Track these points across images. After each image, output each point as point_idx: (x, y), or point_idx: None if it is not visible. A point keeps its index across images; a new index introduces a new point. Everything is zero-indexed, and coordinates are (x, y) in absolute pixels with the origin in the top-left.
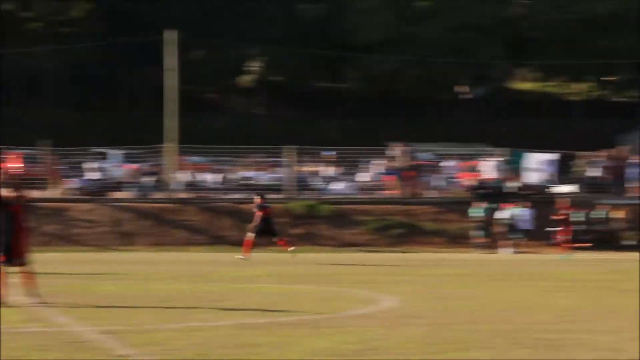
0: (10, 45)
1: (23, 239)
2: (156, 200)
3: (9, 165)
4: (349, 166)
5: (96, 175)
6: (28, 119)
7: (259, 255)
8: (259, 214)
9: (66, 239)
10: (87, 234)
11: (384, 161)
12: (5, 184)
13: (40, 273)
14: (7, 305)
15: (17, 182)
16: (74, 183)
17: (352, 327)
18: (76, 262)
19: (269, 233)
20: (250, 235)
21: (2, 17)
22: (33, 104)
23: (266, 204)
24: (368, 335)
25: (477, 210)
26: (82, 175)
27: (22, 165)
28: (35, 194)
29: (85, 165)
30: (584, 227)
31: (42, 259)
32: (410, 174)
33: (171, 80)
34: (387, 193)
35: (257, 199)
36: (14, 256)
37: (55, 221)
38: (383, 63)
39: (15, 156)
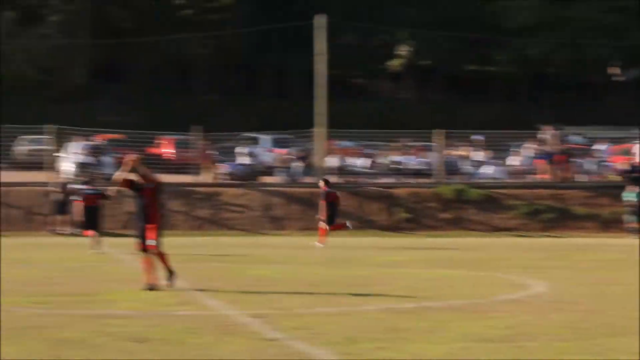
0: (162, 32)
1: (154, 223)
2: (306, 185)
3: (162, 150)
4: (499, 150)
5: (247, 160)
6: (180, 105)
7: (405, 240)
8: (323, 203)
9: (217, 223)
10: (238, 218)
11: (534, 145)
12: (136, 170)
13: (192, 257)
14: (159, 289)
15: (146, 167)
16: (225, 168)
17: (502, 312)
18: (227, 246)
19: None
20: (322, 224)
21: (154, 4)
22: (185, 90)
23: (331, 190)
24: (518, 320)
25: (630, 195)
26: (233, 160)
27: (174, 150)
28: (187, 179)
29: (236, 150)
30: None
31: (193, 243)
32: (561, 157)
33: (320, 65)
34: (537, 177)
35: (322, 185)
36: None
37: (207, 206)
38: (534, 46)
39: (167, 141)
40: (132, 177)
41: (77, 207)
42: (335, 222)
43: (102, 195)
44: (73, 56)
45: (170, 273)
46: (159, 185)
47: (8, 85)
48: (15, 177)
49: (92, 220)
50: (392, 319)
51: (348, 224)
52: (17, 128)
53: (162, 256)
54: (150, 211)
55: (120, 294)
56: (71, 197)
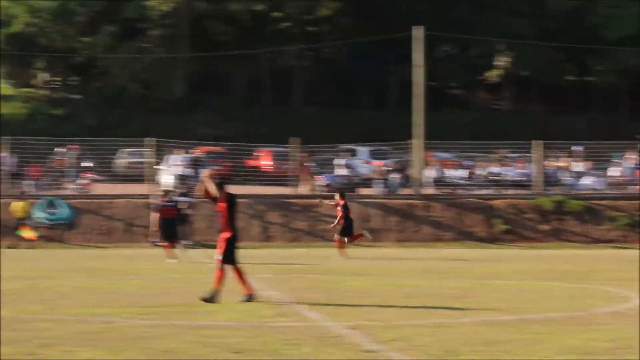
0: (262, 45)
1: (223, 236)
2: (403, 197)
3: (261, 162)
4: (599, 161)
5: (344, 172)
6: (278, 117)
7: (503, 251)
8: (340, 213)
9: (315, 235)
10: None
11: (635, 155)
12: (213, 182)
13: (289, 268)
14: (257, 300)
15: (222, 179)
16: (322, 180)
17: (603, 324)
18: (324, 257)
19: (347, 231)
20: (336, 237)
21: (254, 17)
22: (283, 103)
23: (347, 203)
24: (620, 333)
25: None
26: (330, 172)
27: (273, 162)
28: (285, 190)
29: (334, 162)
30: None
31: (291, 255)
32: None
33: (418, 77)
34: (638, 188)
35: (339, 199)
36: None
37: (305, 217)
38: (634, 56)
39: (266, 154)
40: (212, 190)
41: (154, 218)
42: (352, 233)
43: (178, 208)
44: (172, 69)
45: (215, 292)
46: (230, 199)
47: (109, 99)
48: (116, 189)
49: (169, 232)
50: (491, 331)
51: (366, 233)
52: (118, 141)
53: (221, 272)
54: (221, 224)
55: (219, 305)
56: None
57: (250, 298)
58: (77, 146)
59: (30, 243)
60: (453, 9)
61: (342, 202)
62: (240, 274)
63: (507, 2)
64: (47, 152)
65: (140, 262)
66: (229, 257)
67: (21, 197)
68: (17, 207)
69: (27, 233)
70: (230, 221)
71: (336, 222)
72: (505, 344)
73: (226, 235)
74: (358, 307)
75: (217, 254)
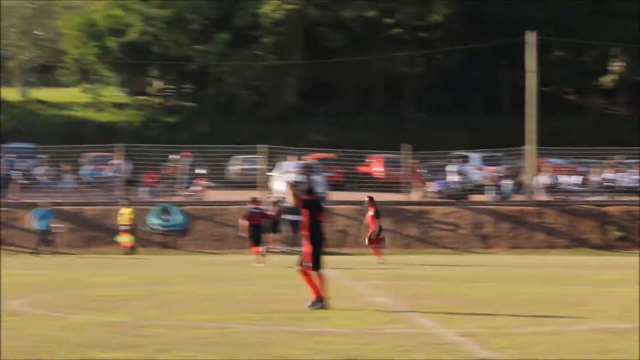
0: (374, 51)
1: (307, 244)
2: (515, 203)
3: (373, 169)
4: None
5: (456, 178)
6: (389, 124)
7: (618, 258)
8: (372, 219)
9: (426, 242)
10: (447, 236)
11: None
12: (294, 190)
13: (401, 275)
14: (370, 308)
15: (309, 186)
16: (434, 186)
17: None
18: (436, 264)
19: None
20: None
21: (365, 23)
22: (394, 109)
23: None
24: None
25: None
26: (442, 179)
27: (384, 169)
28: (397, 197)
29: (446, 169)
30: None
31: (403, 261)
32: None
33: (530, 82)
34: None
35: (370, 205)
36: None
37: (416, 224)
38: None
39: (377, 160)
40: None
41: (242, 225)
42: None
43: (265, 215)
44: (284, 76)
45: (319, 301)
46: (312, 206)
47: (221, 106)
48: (229, 196)
49: (257, 238)
50: (606, 339)
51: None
52: (231, 148)
53: (307, 276)
54: (303, 232)
55: (331, 312)
56: (282, 216)
57: (317, 302)
58: (190, 153)
59: (126, 249)
60: (566, 14)
61: (251, 207)
62: (320, 279)
63: (620, 5)
64: (161, 159)
65: (252, 268)
66: (316, 263)
67: (128, 204)
68: (124, 213)
69: (124, 239)
70: (312, 227)
71: (370, 230)
72: (620, 352)
73: (308, 241)
74: (470, 314)
75: (304, 262)
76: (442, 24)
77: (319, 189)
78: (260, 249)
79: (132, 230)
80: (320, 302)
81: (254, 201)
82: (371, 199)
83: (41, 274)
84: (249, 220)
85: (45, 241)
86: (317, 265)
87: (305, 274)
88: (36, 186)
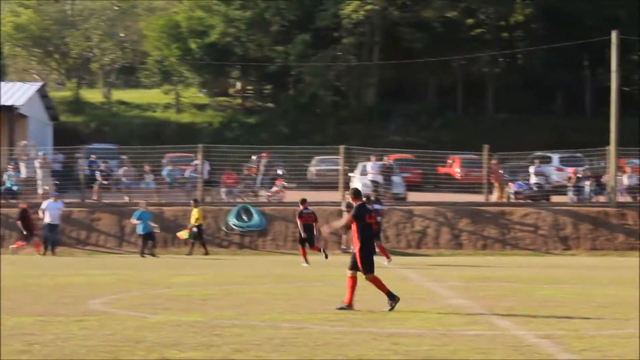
0: (455, 51)
1: (356, 250)
2: (596, 205)
3: (453, 169)
4: None
5: (536, 179)
6: (470, 124)
7: None
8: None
9: (505, 243)
10: (527, 237)
11: None
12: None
13: (480, 276)
14: (448, 309)
15: (355, 190)
16: (514, 187)
17: None
18: (516, 266)
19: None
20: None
21: (446, 24)
22: (475, 109)
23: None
24: None
25: None
26: (522, 180)
27: (464, 169)
28: (477, 198)
29: (526, 169)
30: None
31: (482, 262)
32: None
33: (614, 82)
34: None
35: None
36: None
37: (496, 225)
38: None
39: (457, 161)
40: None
41: (299, 224)
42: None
43: (315, 217)
44: (364, 77)
45: (391, 297)
46: (356, 211)
47: (301, 107)
48: (309, 196)
49: (307, 237)
50: None
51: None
52: (310, 149)
53: (374, 279)
54: (353, 236)
55: (409, 313)
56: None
57: (346, 308)
58: (269, 154)
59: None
60: None
61: (301, 208)
62: (353, 283)
63: None
64: (241, 159)
65: (330, 268)
66: (366, 267)
67: (196, 204)
68: (193, 213)
69: (183, 234)
70: (358, 232)
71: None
72: None
73: (357, 246)
74: (550, 316)
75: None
76: (523, 23)
77: (398, 190)
78: (320, 249)
79: (195, 229)
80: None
81: (303, 202)
82: (368, 198)
83: (120, 274)
84: (301, 220)
85: (148, 242)
86: (369, 270)
87: (371, 280)
88: (118, 186)
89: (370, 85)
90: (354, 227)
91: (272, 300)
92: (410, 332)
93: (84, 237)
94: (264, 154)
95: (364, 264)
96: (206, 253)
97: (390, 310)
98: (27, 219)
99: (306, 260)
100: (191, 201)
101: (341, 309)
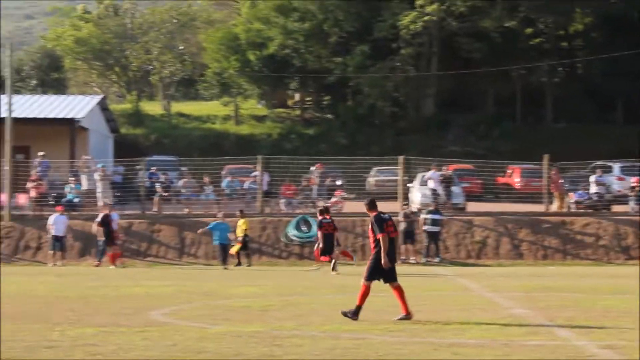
0: (513, 61)
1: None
2: None
3: (512, 179)
4: None
5: (597, 189)
6: (529, 133)
7: None
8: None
9: (566, 253)
10: (588, 247)
11: None
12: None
13: (541, 286)
14: (509, 319)
15: (370, 199)
16: (574, 197)
17: None
18: (577, 276)
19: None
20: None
21: (505, 34)
22: (534, 118)
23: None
24: None
25: None
26: (583, 189)
27: (524, 179)
28: (537, 208)
29: (587, 179)
30: None
31: (542, 273)
32: None
33: None
34: None
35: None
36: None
37: (557, 235)
38: None
39: (517, 171)
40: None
41: (319, 235)
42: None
43: (335, 226)
44: (423, 87)
45: (355, 313)
46: (374, 219)
47: (360, 118)
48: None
49: (328, 247)
50: None
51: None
52: (370, 159)
53: (365, 288)
54: (372, 246)
55: (470, 323)
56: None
57: (405, 318)
58: (322, 165)
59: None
60: None
61: (320, 218)
62: (398, 292)
63: None
64: (300, 171)
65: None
66: (369, 275)
67: (242, 215)
68: (239, 224)
69: (235, 249)
70: (375, 241)
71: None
72: None
73: (373, 254)
74: (612, 327)
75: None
76: (583, 32)
77: (457, 200)
78: (333, 256)
79: (243, 241)
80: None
81: (323, 211)
82: (321, 210)
83: (180, 285)
84: (321, 230)
85: (225, 254)
86: (368, 277)
87: (363, 287)
88: (178, 198)
89: (429, 96)
90: (372, 235)
91: (332, 310)
92: (470, 342)
93: (144, 248)
94: (317, 165)
95: (369, 270)
96: (249, 264)
97: (343, 314)
98: (109, 225)
99: (335, 268)
100: (237, 212)
101: (401, 319)
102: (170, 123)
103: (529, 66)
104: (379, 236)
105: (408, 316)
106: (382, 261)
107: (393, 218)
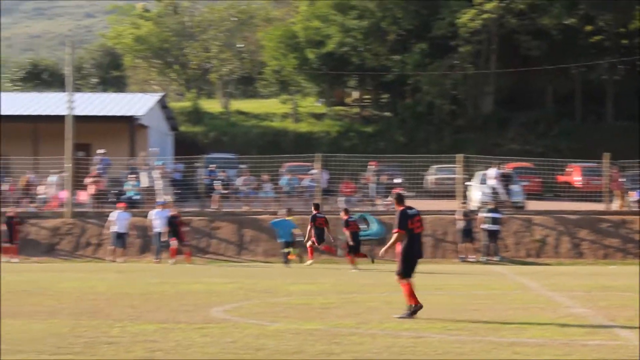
0: (573, 59)
1: (403, 251)
2: None
3: (572, 178)
4: None
5: None
6: (589, 132)
7: None
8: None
9: (627, 252)
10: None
11: None
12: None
13: (601, 286)
14: (569, 319)
15: (398, 195)
16: (635, 195)
17: None
18: (637, 275)
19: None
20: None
21: (565, 31)
22: (594, 117)
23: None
24: None
25: None
26: None
27: (584, 178)
28: (597, 207)
29: None
30: None
31: (602, 272)
32: None
33: None
34: None
35: (343, 215)
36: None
37: (617, 234)
38: None
39: (577, 169)
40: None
41: (347, 234)
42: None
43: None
44: (481, 85)
45: (414, 311)
46: (401, 220)
47: (418, 116)
48: (427, 205)
49: (354, 245)
50: None
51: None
52: (428, 157)
53: (405, 286)
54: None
55: (530, 322)
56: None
57: (414, 310)
58: (377, 163)
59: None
60: None
61: (345, 218)
62: (407, 287)
63: None
64: (359, 168)
65: (449, 277)
66: (404, 272)
67: (289, 213)
68: None
69: (293, 255)
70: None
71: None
72: None
73: (399, 250)
74: None
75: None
76: None
77: (517, 198)
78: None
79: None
80: (412, 311)
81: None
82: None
83: (239, 282)
84: (347, 229)
85: (287, 254)
86: (403, 274)
87: (403, 285)
88: (237, 195)
89: (487, 94)
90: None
91: (391, 308)
92: (530, 341)
93: (204, 245)
94: (373, 163)
95: (401, 267)
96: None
97: (399, 317)
98: (177, 225)
99: (355, 266)
100: (285, 210)
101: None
102: (229, 121)
103: (589, 64)
104: (395, 231)
105: (417, 307)
106: (380, 252)
107: (451, 216)
